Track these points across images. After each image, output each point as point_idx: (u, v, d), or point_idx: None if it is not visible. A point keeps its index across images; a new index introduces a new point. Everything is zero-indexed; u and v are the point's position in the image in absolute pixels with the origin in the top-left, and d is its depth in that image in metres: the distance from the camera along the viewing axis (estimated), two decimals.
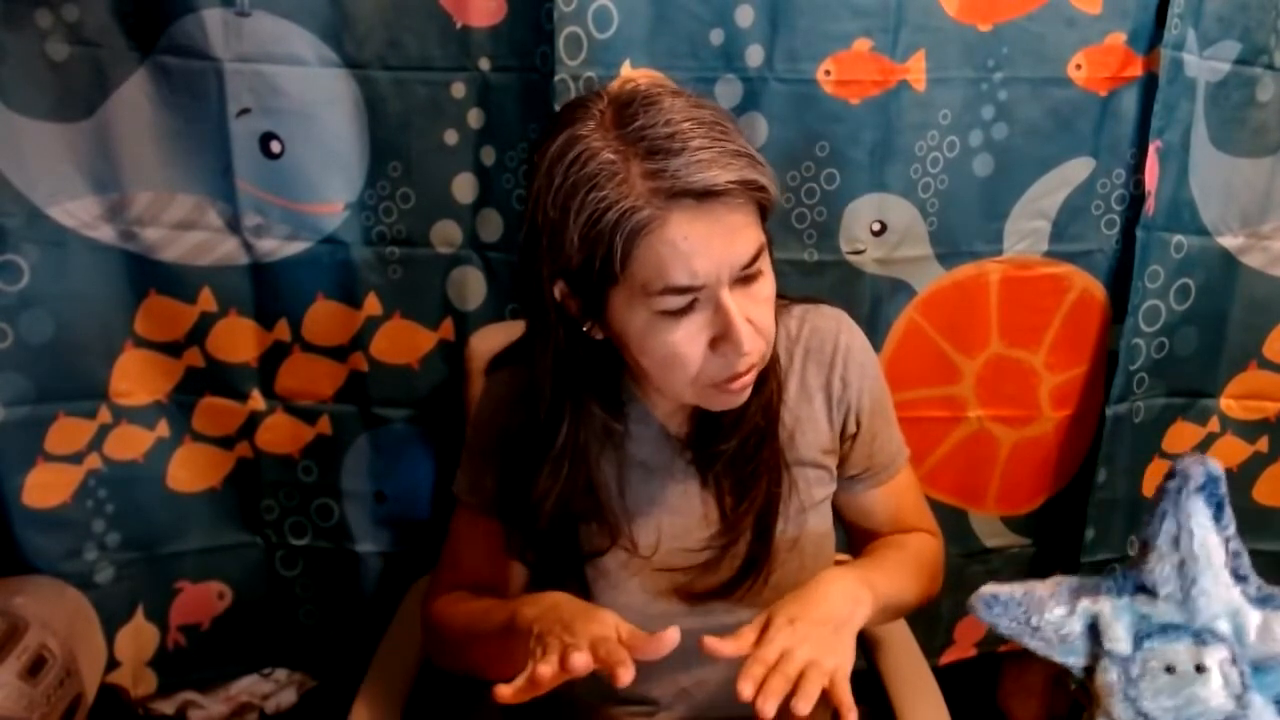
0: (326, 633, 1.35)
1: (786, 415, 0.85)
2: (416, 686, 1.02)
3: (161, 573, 1.28)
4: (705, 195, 0.66)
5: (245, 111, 1.11)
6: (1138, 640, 0.62)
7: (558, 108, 1.06)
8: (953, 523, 1.30)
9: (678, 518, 0.85)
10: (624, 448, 0.85)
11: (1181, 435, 1.30)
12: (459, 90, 1.13)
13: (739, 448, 0.82)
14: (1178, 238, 1.19)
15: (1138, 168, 1.16)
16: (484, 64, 1.12)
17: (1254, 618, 0.60)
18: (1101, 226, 1.19)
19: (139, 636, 1.29)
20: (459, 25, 1.11)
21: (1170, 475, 0.59)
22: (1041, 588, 0.66)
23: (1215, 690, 0.59)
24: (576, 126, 0.69)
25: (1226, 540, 0.60)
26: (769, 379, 0.81)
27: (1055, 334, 1.23)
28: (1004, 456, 1.28)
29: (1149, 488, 1.30)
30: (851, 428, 0.88)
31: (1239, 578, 0.61)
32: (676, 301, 0.69)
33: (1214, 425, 1.31)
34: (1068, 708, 1.41)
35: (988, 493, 1.30)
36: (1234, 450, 1.31)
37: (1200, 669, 0.59)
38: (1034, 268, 1.20)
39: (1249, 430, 1.31)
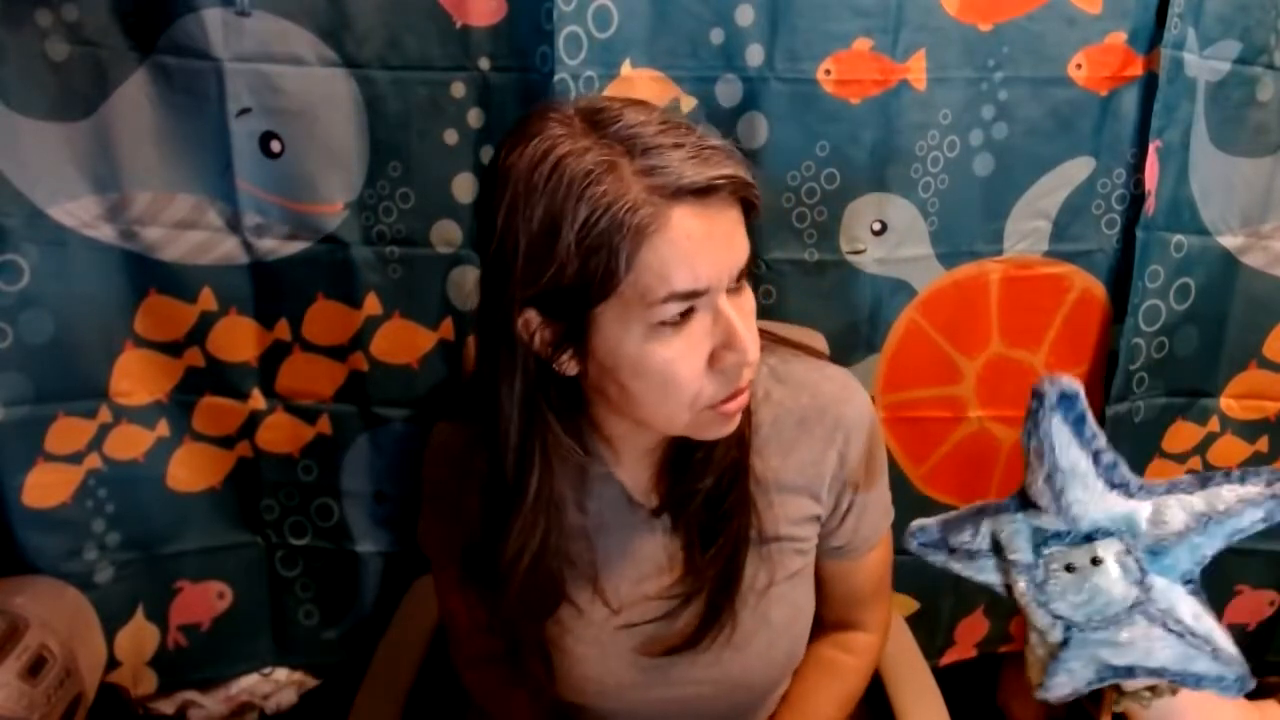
0: (326, 633, 1.35)
1: (771, 488, 0.80)
2: (416, 686, 1.02)
3: (161, 573, 1.28)
4: (705, 191, 0.63)
5: (245, 111, 1.12)
6: (1037, 548, 0.65)
7: None
8: None
9: (638, 566, 0.82)
10: (591, 513, 0.80)
11: (1181, 435, 1.30)
12: (459, 90, 1.13)
13: (714, 487, 0.78)
14: (1178, 237, 1.19)
15: (1138, 167, 1.16)
16: (484, 64, 1.12)
17: (1144, 510, 0.64)
18: (1102, 226, 1.19)
19: (139, 636, 1.29)
20: (459, 25, 1.11)
21: (1032, 395, 0.63)
22: (957, 513, 0.69)
23: (1115, 579, 0.63)
24: (547, 133, 0.64)
25: (1095, 453, 0.63)
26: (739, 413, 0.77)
27: (1056, 334, 1.23)
28: (1004, 457, 1.28)
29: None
30: (844, 506, 0.84)
31: (1115, 485, 0.63)
32: (677, 309, 0.65)
33: (1214, 425, 1.31)
34: (1067, 708, 1.41)
35: (989, 493, 1.30)
36: (1234, 450, 1.31)
37: (1096, 562, 0.62)
38: (1034, 268, 1.20)
39: (1249, 430, 1.31)
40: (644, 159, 0.63)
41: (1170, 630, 0.63)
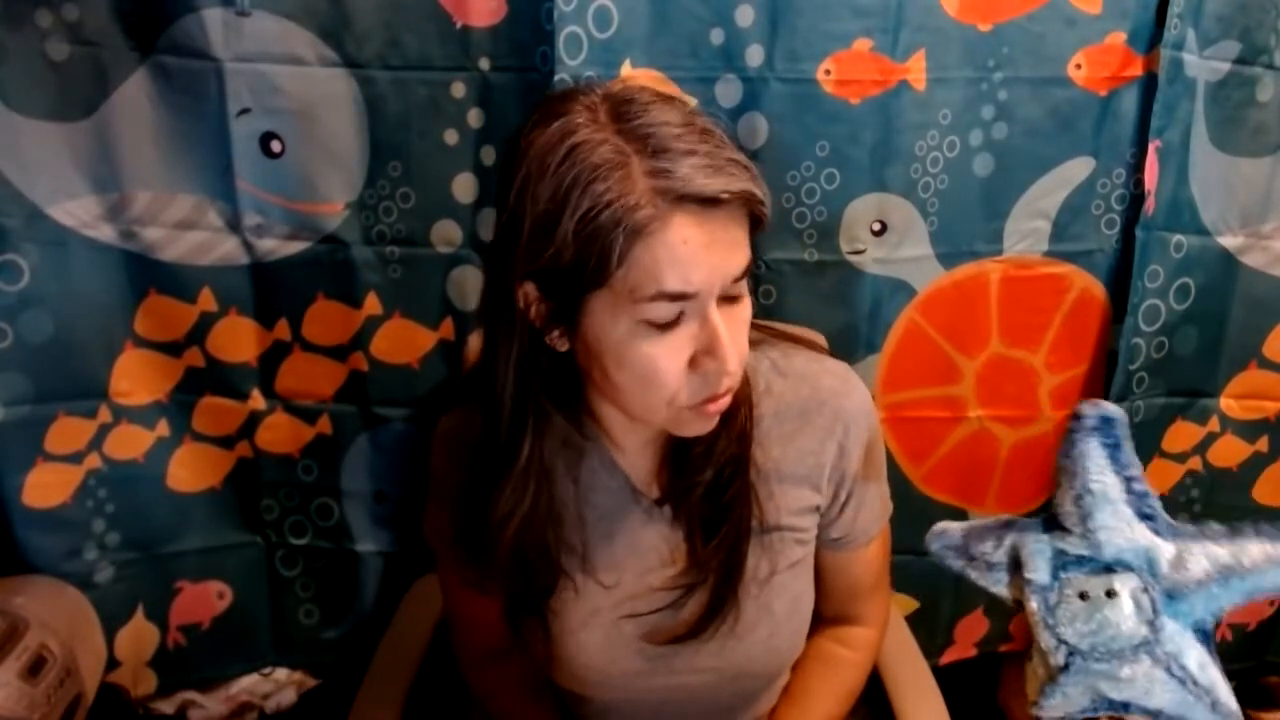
0: (326, 633, 1.35)
1: (771, 479, 0.82)
2: (416, 686, 1.02)
3: (161, 572, 1.28)
4: (710, 202, 0.64)
5: (245, 111, 1.12)
6: (1055, 571, 0.65)
7: None
8: None
9: (642, 556, 0.83)
10: (584, 486, 0.81)
11: (1181, 435, 1.30)
12: (459, 90, 1.13)
13: (714, 480, 0.79)
14: (1178, 237, 1.19)
15: (1138, 167, 1.16)
16: (484, 64, 1.12)
17: (1167, 550, 0.64)
18: (1101, 226, 1.19)
19: (139, 636, 1.29)
20: (459, 25, 1.11)
21: (1072, 417, 0.63)
22: (983, 523, 0.69)
23: (1126, 615, 0.63)
24: (570, 117, 0.66)
25: (1127, 480, 0.64)
26: (740, 410, 0.79)
27: (1055, 334, 1.23)
28: (1004, 456, 1.28)
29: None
30: (843, 497, 0.84)
31: (1145, 516, 0.63)
32: (665, 310, 0.66)
33: (1214, 425, 1.31)
34: None
35: (988, 493, 1.30)
36: (1234, 450, 1.32)
37: (1111, 594, 0.62)
38: (1034, 267, 1.20)
39: (1249, 430, 1.31)
40: (655, 160, 0.64)
41: (1173, 675, 0.63)
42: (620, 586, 0.82)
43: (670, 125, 0.65)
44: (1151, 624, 0.62)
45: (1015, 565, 0.67)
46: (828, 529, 0.86)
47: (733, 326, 0.69)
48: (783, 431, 0.82)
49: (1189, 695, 0.63)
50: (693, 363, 0.69)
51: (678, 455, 0.81)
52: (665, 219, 0.64)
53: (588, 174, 0.63)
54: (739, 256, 0.68)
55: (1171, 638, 0.63)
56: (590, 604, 0.83)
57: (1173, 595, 0.63)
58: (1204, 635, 0.64)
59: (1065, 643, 0.64)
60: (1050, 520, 0.66)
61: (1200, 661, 0.63)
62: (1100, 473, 0.63)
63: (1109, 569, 0.63)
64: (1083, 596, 0.63)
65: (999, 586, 0.68)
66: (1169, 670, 0.63)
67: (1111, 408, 0.63)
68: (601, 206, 0.63)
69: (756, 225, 0.69)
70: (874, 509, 0.88)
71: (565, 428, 0.77)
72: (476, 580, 0.82)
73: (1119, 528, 0.63)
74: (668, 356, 0.68)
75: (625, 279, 0.65)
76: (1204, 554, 0.63)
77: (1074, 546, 0.64)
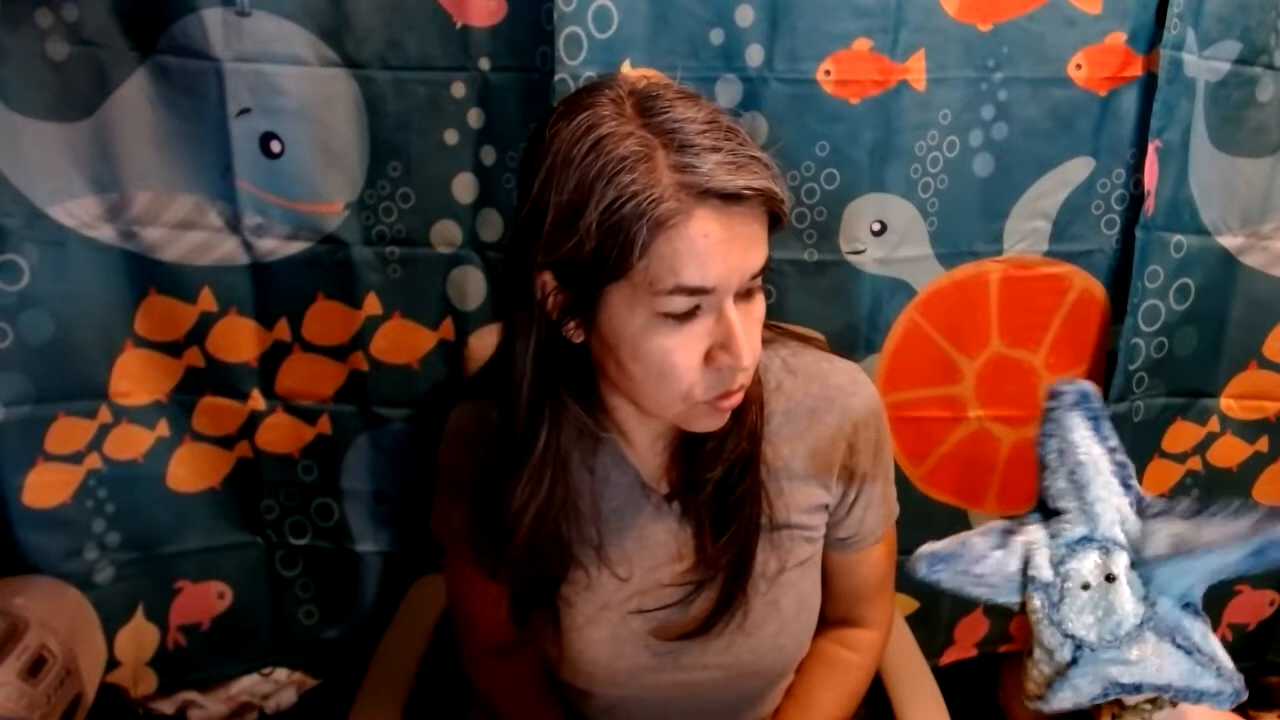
0: (326, 633, 1.35)
1: (781, 476, 0.82)
2: (416, 686, 1.02)
3: (161, 573, 1.28)
4: (733, 198, 0.65)
5: (245, 111, 1.12)
6: (1055, 567, 0.65)
7: None
8: (953, 523, 1.30)
9: (651, 552, 0.83)
10: (598, 480, 0.82)
11: (1181, 435, 1.30)
12: (459, 90, 1.13)
13: (724, 476, 0.80)
14: (1178, 237, 1.19)
15: (1138, 168, 1.16)
16: (484, 64, 1.12)
17: (1136, 526, 0.65)
18: (1101, 226, 1.19)
19: (139, 636, 1.29)
20: (459, 25, 1.11)
21: (1048, 397, 0.64)
22: (975, 536, 0.69)
23: (1127, 597, 0.63)
24: (596, 109, 0.66)
25: (1111, 451, 0.65)
26: (751, 407, 0.79)
27: (1055, 334, 1.23)
28: (1004, 456, 1.28)
29: (1149, 487, 1.30)
30: (851, 496, 0.85)
31: (1127, 486, 0.65)
32: (682, 304, 0.67)
33: (1214, 425, 1.31)
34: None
35: (988, 493, 1.30)
36: (1234, 450, 1.32)
37: (1111, 579, 0.63)
38: (1034, 268, 1.20)
39: (1249, 430, 1.31)
40: (680, 155, 0.64)
41: (1179, 646, 0.63)
42: (630, 581, 0.83)
43: (695, 121, 0.66)
44: (1146, 598, 0.63)
45: (1024, 567, 0.67)
46: (835, 528, 0.87)
47: (748, 323, 0.70)
48: (793, 429, 0.83)
49: (1196, 664, 0.63)
50: (708, 358, 0.70)
51: (688, 451, 0.81)
52: (688, 213, 0.64)
53: (613, 165, 0.64)
54: (757, 253, 0.68)
55: (1169, 610, 0.63)
56: (601, 597, 0.83)
57: (1148, 574, 0.64)
58: (1193, 608, 0.65)
59: (1072, 637, 0.64)
60: (1041, 512, 0.66)
61: (1202, 631, 0.64)
62: (1088, 444, 0.64)
63: (1101, 548, 0.64)
64: (1085, 587, 0.64)
65: (1006, 595, 0.68)
66: (1174, 642, 0.63)
67: (1085, 382, 0.64)
68: (626, 198, 0.64)
69: (775, 224, 0.70)
70: (881, 510, 0.88)
71: (581, 418, 0.77)
72: (490, 570, 0.82)
73: (1110, 498, 0.64)
74: (683, 350, 0.69)
75: (645, 271, 0.66)
76: (1166, 532, 0.64)
77: (1072, 524, 0.64)
